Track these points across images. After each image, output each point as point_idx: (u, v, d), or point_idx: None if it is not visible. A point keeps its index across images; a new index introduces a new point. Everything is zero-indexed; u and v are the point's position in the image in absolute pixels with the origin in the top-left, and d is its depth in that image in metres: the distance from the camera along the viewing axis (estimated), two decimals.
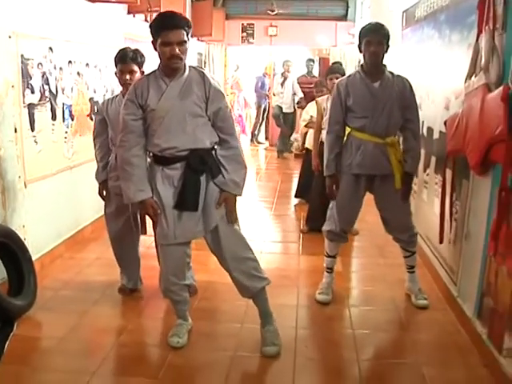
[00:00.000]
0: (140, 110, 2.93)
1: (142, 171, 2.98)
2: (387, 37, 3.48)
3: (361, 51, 3.56)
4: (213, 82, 2.94)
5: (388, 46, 3.51)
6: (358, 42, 3.57)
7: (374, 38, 3.45)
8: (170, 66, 2.86)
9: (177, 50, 2.79)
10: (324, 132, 5.13)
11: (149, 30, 2.86)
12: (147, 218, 3.21)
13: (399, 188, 3.58)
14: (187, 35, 2.83)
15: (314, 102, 5.62)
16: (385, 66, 3.57)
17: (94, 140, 3.85)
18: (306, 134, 6.17)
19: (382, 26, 3.53)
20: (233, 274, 3.12)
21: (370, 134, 3.56)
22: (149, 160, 3.06)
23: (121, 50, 3.62)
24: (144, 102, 2.91)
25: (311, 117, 5.77)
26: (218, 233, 3.03)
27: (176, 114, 2.89)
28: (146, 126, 2.96)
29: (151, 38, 2.87)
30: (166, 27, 2.79)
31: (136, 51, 3.61)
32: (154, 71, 2.97)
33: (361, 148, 3.59)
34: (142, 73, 3.61)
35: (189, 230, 3.00)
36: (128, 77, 3.55)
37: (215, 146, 3.00)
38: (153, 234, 3.89)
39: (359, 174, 3.65)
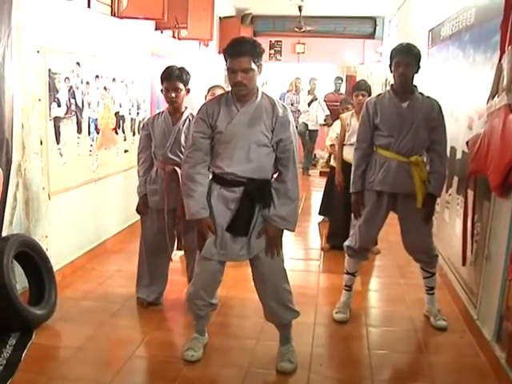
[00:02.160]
0: (210, 129, 2.96)
1: (204, 189, 3.00)
2: (418, 58, 3.48)
3: (391, 71, 3.57)
4: (281, 113, 2.93)
5: (419, 67, 3.51)
6: (388, 62, 3.58)
7: (404, 60, 3.45)
8: (236, 93, 2.91)
9: (239, 77, 2.82)
10: (346, 148, 5.16)
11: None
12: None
13: (420, 207, 3.55)
14: (254, 62, 2.84)
15: (339, 120, 5.60)
16: (415, 86, 3.57)
17: (138, 155, 3.92)
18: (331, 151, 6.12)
19: (413, 47, 3.52)
20: (269, 302, 3.13)
21: (395, 152, 3.55)
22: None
23: (167, 68, 3.68)
24: (214, 123, 2.95)
25: (337, 134, 5.71)
26: (261, 260, 3.05)
27: (242, 140, 2.91)
28: (211, 145, 3.00)
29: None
30: (230, 54, 2.86)
31: (181, 69, 3.66)
32: (228, 93, 3.02)
33: (384, 165, 3.58)
34: (188, 90, 3.70)
35: (233, 252, 3.04)
36: (173, 94, 3.63)
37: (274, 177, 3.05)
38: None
39: (381, 191, 3.62)
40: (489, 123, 3.23)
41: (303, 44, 11.80)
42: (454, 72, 4.63)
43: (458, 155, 4.23)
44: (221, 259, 3.07)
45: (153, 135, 3.78)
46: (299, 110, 10.51)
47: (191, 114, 3.72)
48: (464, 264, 3.69)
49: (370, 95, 5.16)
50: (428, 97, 3.59)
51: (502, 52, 3.11)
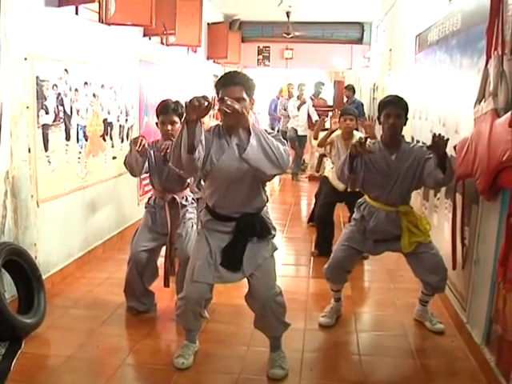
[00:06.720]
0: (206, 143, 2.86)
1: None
2: (406, 109, 3.54)
3: (380, 123, 3.62)
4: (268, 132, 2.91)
5: (407, 119, 3.57)
6: (377, 114, 3.63)
7: (394, 111, 3.50)
8: (227, 124, 2.88)
9: None
10: (333, 173, 5.20)
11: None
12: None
13: (406, 250, 3.60)
14: (246, 93, 2.82)
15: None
16: (403, 136, 3.63)
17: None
18: (321, 157, 6.11)
19: (401, 99, 3.58)
20: (262, 315, 3.13)
21: (384, 203, 3.61)
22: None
23: (162, 102, 3.76)
24: (209, 147, 2.88)
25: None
26: (256, 275, 3.04)
27: (231, 176, 2.90)
28: (203, 173, 2.95)
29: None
30: (223, 84, 2.84)
31: (177, 103, 3.73)
32: (218, 126, 2.99)
33: (374, 215, 3.65)
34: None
35: (227, 276, 3.06)
36: (169, 127, 3.70)
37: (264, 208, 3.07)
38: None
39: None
40: (476, 128, 3.25)
41: (291, 49, 11.87)
42: (440, 77, 4.66)
43: None
44: (216, 282, 3.09)
45: (153, 161, 3.81)
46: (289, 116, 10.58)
47: None
48: (454, 268, 3.71)
49: (356, 120, 5.35)
50: (414, 146, 3.64)
51: (488, 57, 3.14)
